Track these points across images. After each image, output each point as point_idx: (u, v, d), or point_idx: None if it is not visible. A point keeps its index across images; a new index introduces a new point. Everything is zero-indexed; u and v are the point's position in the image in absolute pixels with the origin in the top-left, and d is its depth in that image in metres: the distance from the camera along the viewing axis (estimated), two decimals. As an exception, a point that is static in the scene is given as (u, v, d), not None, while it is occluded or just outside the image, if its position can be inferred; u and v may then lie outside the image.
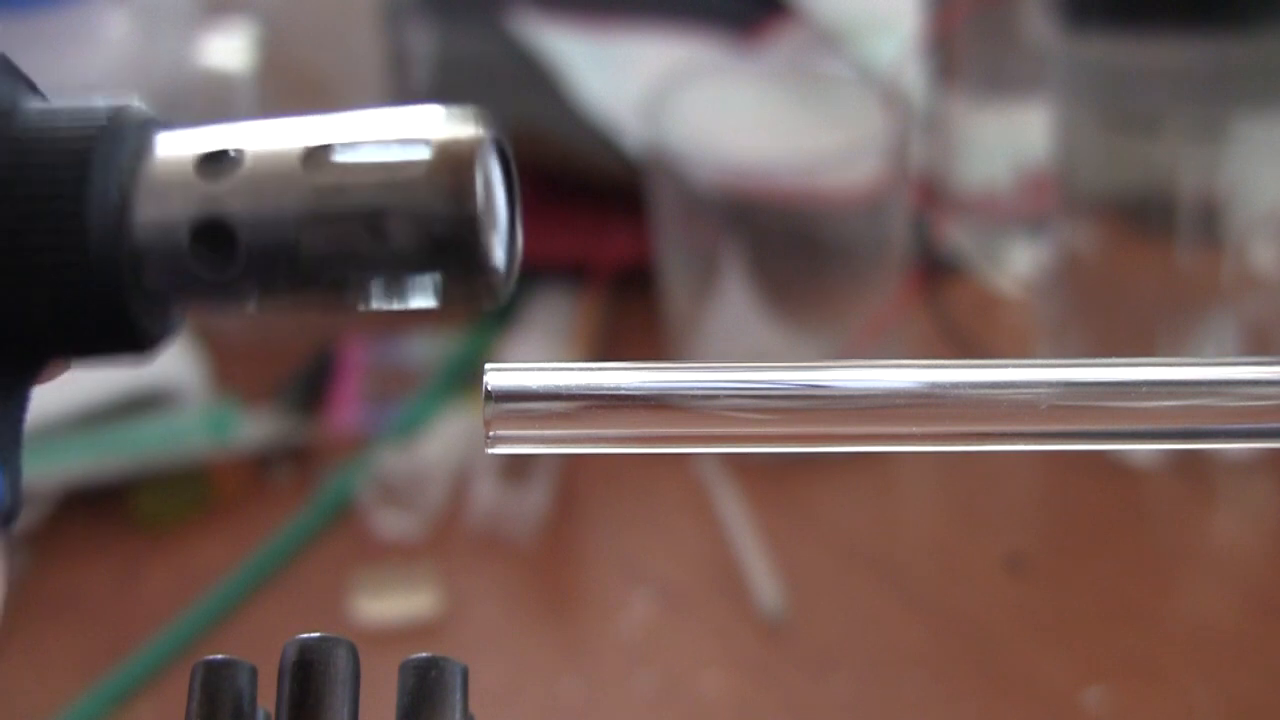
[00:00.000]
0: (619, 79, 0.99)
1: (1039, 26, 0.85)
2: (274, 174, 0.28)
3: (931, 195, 0.95)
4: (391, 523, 0.82)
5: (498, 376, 0.33)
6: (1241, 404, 0.32)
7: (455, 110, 0.28)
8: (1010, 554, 0.79)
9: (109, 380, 0.82)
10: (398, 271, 0.28)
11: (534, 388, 0.32)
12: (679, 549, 0.81)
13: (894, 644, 0.76)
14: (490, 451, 0.33)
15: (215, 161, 0.28)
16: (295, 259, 0.28)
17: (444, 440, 0.84)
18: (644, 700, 0.74)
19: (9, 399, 0.30)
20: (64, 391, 0.77)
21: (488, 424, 0.32)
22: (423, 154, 0.28)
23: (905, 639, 0.76)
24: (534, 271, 0.94)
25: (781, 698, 0.74)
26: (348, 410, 0.87)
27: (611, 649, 0.76)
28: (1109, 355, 0.33)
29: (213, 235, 0.28)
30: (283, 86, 0.92)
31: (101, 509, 0.82)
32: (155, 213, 0.28)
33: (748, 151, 0.86)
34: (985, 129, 0.94)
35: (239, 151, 0.28)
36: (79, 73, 0.81)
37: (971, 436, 0.33)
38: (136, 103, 0.29)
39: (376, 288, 0.28)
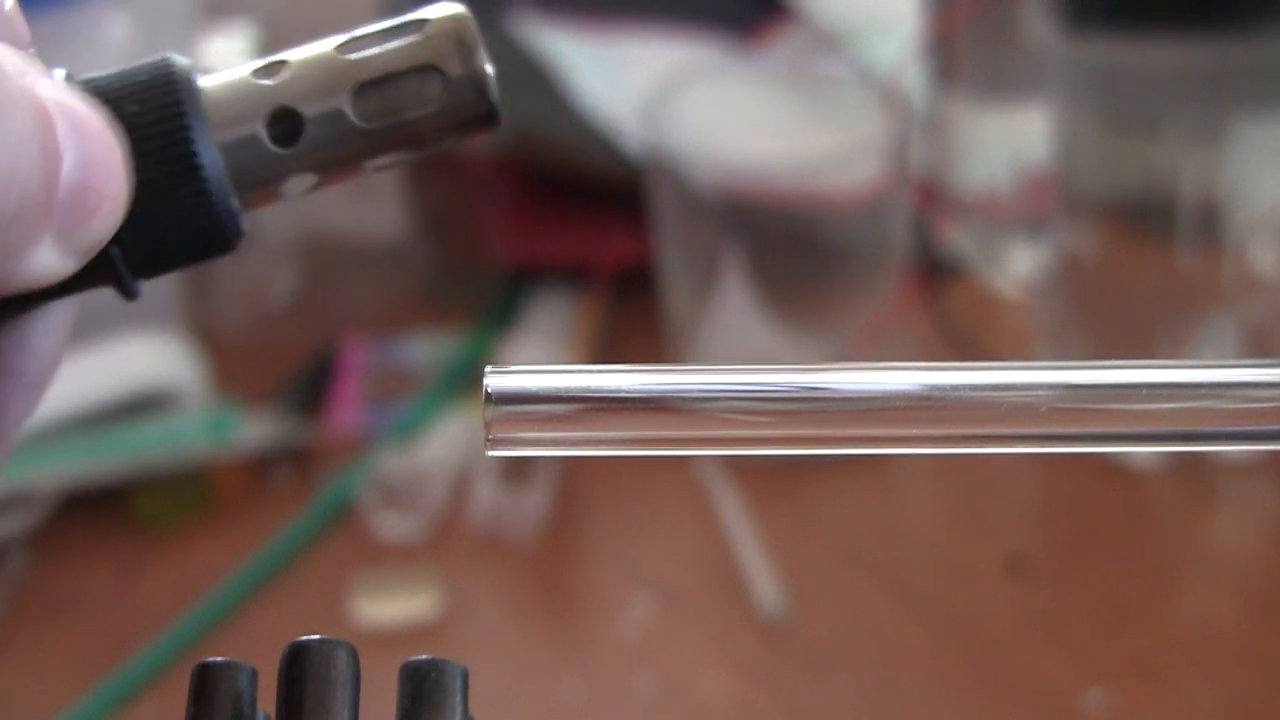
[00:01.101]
0: (619, 80, 0.99)
1: (1039, 28, 0.85)
2: (316, 66, 0.34)
3: (931, 197, 0.95)
4: (391, 524, 0.82)
5: (498, 379, 0.33)
6: (1241, 406, 0.32)
7: (440, 2, 0.35)
8: (1010, 555, 0.79)
9: (109, 382, 0.82)
10: (423, 117, 0.34)
11: (534, 390, 0.32)
12: (679, 550, 0.81)
13: (894, 645, 0.76)
14: (490, 453, 0.33)
15: (264, 71, 0.34)
16: (347, 127, 0.34)
17: (444, 442, 0.84)
18: (644, 701, 0.74)
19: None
20: (64, 393, 0.77)
21: (488, 426, 0.33)
22: (426, 28, 0.34)
23: (905, 640, 0.76)
24: (534, 273, 0.94)
25: (781, 699, 0.74)
26: (348, 412, 0.87)
27: (611, 650, 0.76)
28: (1109, 357, 0.33)
29: (283, 125, 0.34)
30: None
31: (102, 510, 0.82)
32: (229, 110, 0.34)
33: (748, 153, 0.86)
34: (985, 130, 0.94)
35: (281, 60, 0.34)
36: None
37: (971, 439, 0.33)
38: (175, 54, 0.34)
39: (410, 140, 0.34)
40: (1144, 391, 0.32)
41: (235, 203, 0.34)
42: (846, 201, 0.85)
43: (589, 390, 0.32)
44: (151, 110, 0.33)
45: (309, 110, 0.34)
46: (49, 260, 0.31)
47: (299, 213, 0.94)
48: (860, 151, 0.85)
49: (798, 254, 0.86)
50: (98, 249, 0.32)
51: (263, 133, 0.34)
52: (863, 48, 1.03)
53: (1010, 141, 0.93)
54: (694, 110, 0.87)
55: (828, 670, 0.75)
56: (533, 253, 0.95)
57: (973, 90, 0.94)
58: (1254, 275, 0.84)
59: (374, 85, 0.34)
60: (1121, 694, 0.72)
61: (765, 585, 0.78)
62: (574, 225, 0.96)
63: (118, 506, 0.82)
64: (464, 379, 0.88)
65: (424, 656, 0.33)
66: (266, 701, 0.33)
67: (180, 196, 0.33)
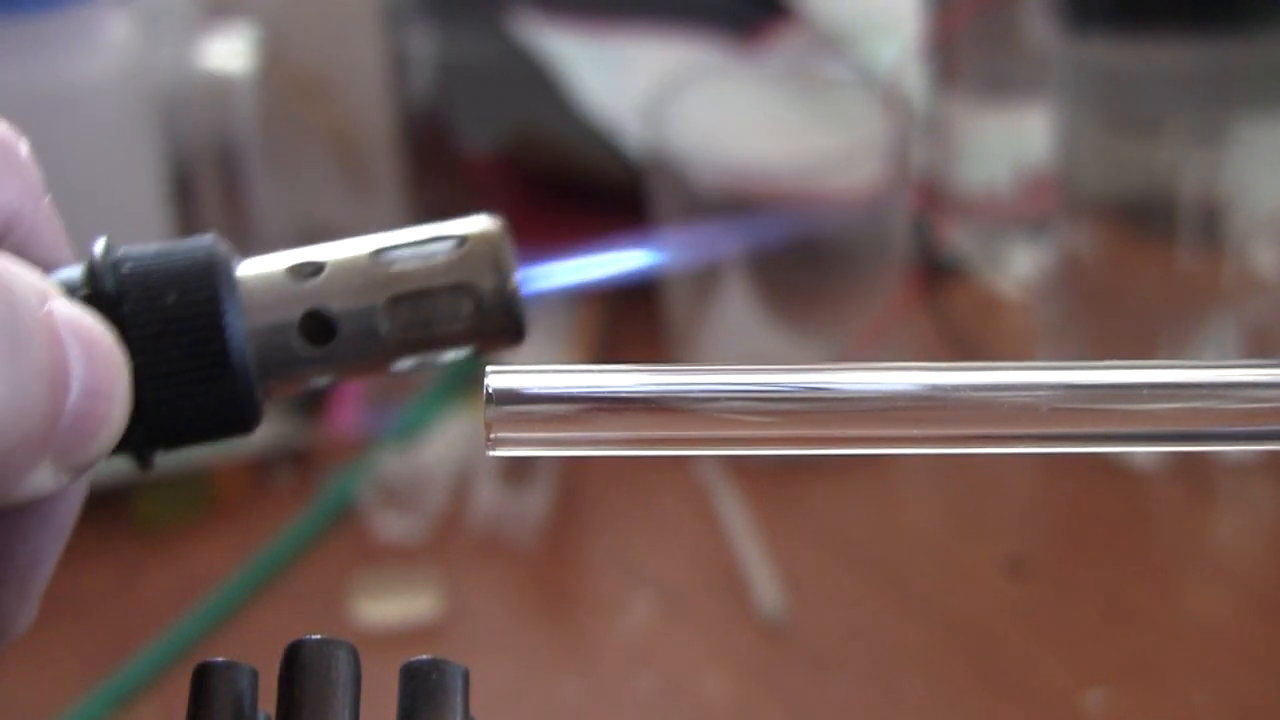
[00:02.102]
0: (620, 81, 0.99)
1: (1040, 29, 0.85)
2: (352, 272, 0.35)
3: (932, 197, 0.95)
4: (392, 525, 0.82)
5: (498, 379, 0.33)
6: (1242, 406, 0.32)
7: (476, 216, 0.37)
8: (1011, 556, 0.79)
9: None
10: (452, 332, 0.35)
11: (535, 390, 0.32)
12: (679, 551, 0.81)
13: (894, 646, 0.76)
14: (491, 454, 0.33)
15: (302, 270, 0.35)
16: (378, 335, 0.35)
17: (445, 443, 0.84)
18: (644, 702, 0.74)
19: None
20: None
21: (488, 426, 0.33)
22: (461, 243, 0.36)
23: (905, 641, 0.76)
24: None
25: (782, 699, 0.74)
26: (348, 413, 0.87)
27: (612, 651, 0.76)
28: (1110, 358, 0.33)
29: (315, 325, 0.35)
30: (283, 89, 0.92)
31: (102, 512, 0.82)
32: (264, 309, 0.35)
33: (749, 154, 0.86)
34: (986, 131, 0.94)
35: (319, 261, 0.35)
36: (80, 75, 0.81)
37: (972, 439, 0.33)
38: (216, 237, 0.35)
39: (436, 349, 0.35)
40: (1144, 392, 0.32)
41: (260, 394, 0.35)
42: (847, 202, 0.85)
43: (590, 390, 0.32)
44: (189, 304, 0.34)
45: (343, 317, 0.35)
46: (45, 480, 0.32)
47: (299, 213, 0.94)
48: (861, 152, 0.85)
49: (798, 255, 0.86)
50: (94, 466, 0.33)
51: (295, 333, 0.35)
52: (863, 48, 1.03)
53: (1011, 142, 0.93)
54: (694, 111, 0.87)
55: (828, 670, 0.75)
56: (533, 253, 0.95)
57: (973, 91, 0.94)
58: (1255, 276, 0.83)
59: (408, 297, 0.35)
60: (1122, 694, 0.72)
61: (765, 585, 0.78)
62: (574, 226, 0.95)
63: (118, 507, 0.82)
64: (464, 379, 0.88)
65: (425, 657, 0.33)
66: (267, 702, 0.33)
67: (208, 389, 0.34)
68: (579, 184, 0.96)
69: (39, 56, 0.80)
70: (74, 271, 0.35)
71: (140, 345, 0.33)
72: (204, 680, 0.33)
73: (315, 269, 0.35)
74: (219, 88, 0.90)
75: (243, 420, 0.35)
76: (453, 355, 0.36)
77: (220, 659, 0.33)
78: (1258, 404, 0.32)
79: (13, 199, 0.35)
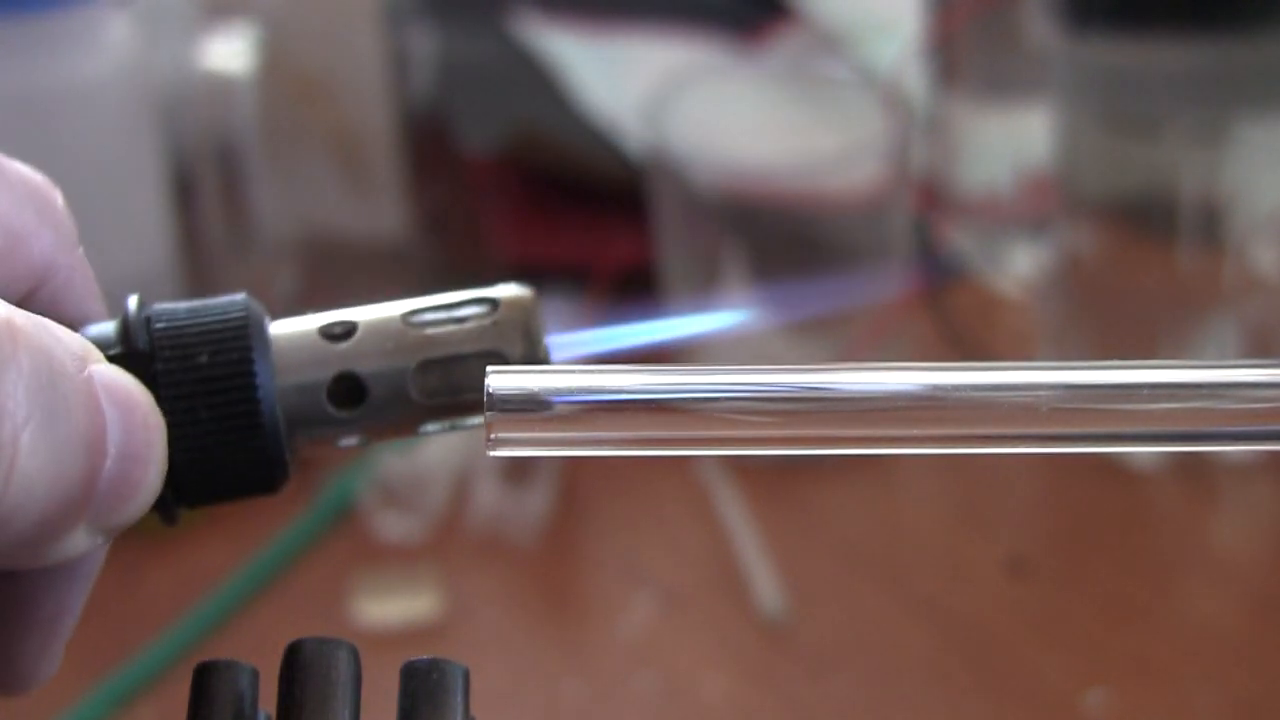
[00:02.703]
0: (620, 81, 0.99)
1: (1040, 29, 0.85)
2: (384, 335, 0.35)
3: (932, 197, 0.95)
4: (393, 525, 0.82)
5: (499, 379, 0.33)
6: (1243, 406, 0.32)
7: (509, 284, 0.36)
8: (1011, 556, 0.79)
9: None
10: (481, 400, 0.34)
11: (535, 390, 0.32)
12: (680, 551, 0.81)
13: (895, 646, 0.76)
14: (491, 454, 0.33)
15: (334, 331, 0.35)
16: (408, 399, 0.35)
17: (445, 443, 0.84)
18: (645, 702, 0.74)
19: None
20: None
21: (489, 427, 0.33)
22: (493, 308, 0.36)
23: (906, 641, 0.76)
24: (535, 273, 0.94)
25: (782, 699, 0.74)
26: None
27: (613, 651, 0.76)
28: (1110, 358, 0.33)
29: (346, 388, 0.35)
30: (284, 89, 0.92)
31: (103, 511, 0.82)
32: (296, 372, 0.35)
33: (749, 154, 0.86)
34: (986, 131, 0.94)
35: (351, 322, 0.35)
36: (80, 76, 0.81)
37: (973, 439, 0.33)
38: (250, 297, 0.35)
39: (464, 414, 0.36)
40: (1145, 392, 0.32)
41: (288, 455, 0.35)
42: (848, 202, 0.85)
43: (590, 391, 0.32)
44: (221, 365, 0.34)
45: (373, 380, 0.35)
46: (80, 543, 0.32)
47: (299, 213, 0.94)
48: (861, 152, 0.85)
49: (799, 254, 0.86)
50: (123, 529, 0.33)
51: (325, 395, 0.35)
52: (864, 48, 1.03)
53: (1011, 142, 0.93)
54: (695, 111, 0.87)
55: (828, 670, 0.74)
56: (534, 253, 0.95)
57: (974, 91, 0.94)
58: (1255, 276, 0.83)
59: (438, 363, 0.35)
60: (1122, 694, 0.72)
61: (766, 585, 0.78)
62: (575, 226, 0.95)
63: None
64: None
65: (425, 657, 0.33)
66: (268, 702, 0.33)
67: (237, 449, 0.35)
68: (579, 184, 0.96)
69: (39, 57, 0.80)
70: (107, 328, 0.35)
71: (171, 404, 0.34)
72: (204, 680, 0.33)
73: (347, 331, 0.35)
74: (219, 88, 0.90)
75: (270, 480, 0.35)
76: (481, 421, 0.35)
77: (221, 659, 0.33)
78: (1258, 404, 0.32)
79: (48, 249, 0.35)
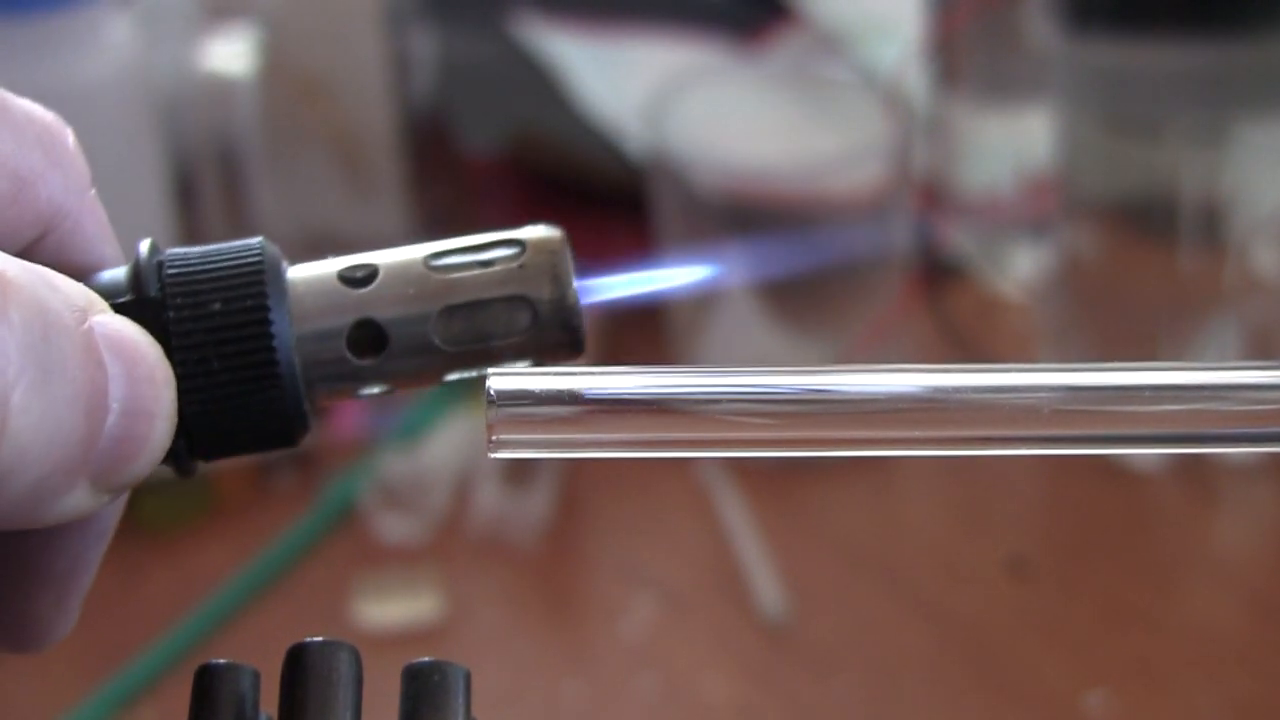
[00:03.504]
0: (621, 83, 0.99)
1: (1041, 30, 0.85)
2: (406, 279, 0.34)
3: (933, 199, 0.95)
4: (394, 527, 0.82)
5: (500, 381, 0.33)
6: (1243, 408, 0.32)
7: (536, 225, 0.35)
8: (1012, 557, 0.79)
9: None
10: (508, 345, 0.34)
11: (536, 391, 0.32)
12: (681, 552, 0.81)
13: (896, 647, 0.76)
14: (492, 456, 0.33)
15: (354, 276, 0.34)
16: (431, 346, 0.34)
17: (446, 444, 0.84)
18: (646, 703, 0.74)
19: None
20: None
21: (490, 428, 0.32)
22: (520, 250, 0.34)
23: (907, 642, 0.76)
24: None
25: (783, 701, 0.74)
26: (350, 414, 0.87)
27: (613, 652, 0.76)
28: (1111, 359, 0.33)
29: (366, 336, 0.34)
30: (284, 90, 0.92)
31: (104, 513, 0.82)
32: (314, 318, 0.34)
33: (750, 155, 0.86)
34: (987, 133, 0.94)
35: (372, 266, 0.34)
36: (81, 76, 0.81)
37: (974, 440, 0.33)
38: (266, 240, 0.34)
39: (490, 361, 0.34)
40: (1146, 393, 0.32)
41: (306, 406, 0.34)
42: (849, 204, 0.85)
43: (591, 392, 0.32)
44: (235, 312, 0.33)
45: (394, 327, 0.34)
46: (82, 501, 0.31)
47: (300, 214, 0.94)
48: (862, 153, 0.85)
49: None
50: (135, 483, 0.32)
51: (345, 343, 0.34)
52: (864, 50, 1.03)
53: (1012, 143, 0.93)
54: (696, 112, 0.87)
55: (829, 672, 0.74)
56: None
57: (974, 92, 0.94)
58: (1256, 277, 0.83)
59: (462, 308, 0.34)
60: (1123, 696, 0.72)
61: (767, 587, 0.78)
62: (576, 227, 0.95)
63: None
64: (466, 381, 0.88)
65: (426, 658, 0.33)
66: (269, 704, 0.33)
67: (254, 400, 0.33)
68: (580, 185, 0.95)
69: (40, 57, 0.80)
70: (117, 274, 0.34)
71: (184, 354, 0.33)
72: (206, 682, 0.33)
73: (367, 275, 0.34)
74: (220, 89, 0.90)
75: (289, 432, 0.34)
76: (508, 365, 0.34)
77: (222, 660, 0.33)
78: (1259, 406, 0.32)
79: (56, 193, 0.34)
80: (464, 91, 0.99)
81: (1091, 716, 0.72)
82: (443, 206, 0.99)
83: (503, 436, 0.32)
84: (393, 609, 0.78)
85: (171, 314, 0.33)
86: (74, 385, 0.30)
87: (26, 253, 0.33)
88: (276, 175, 0.92)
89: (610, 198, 0.94)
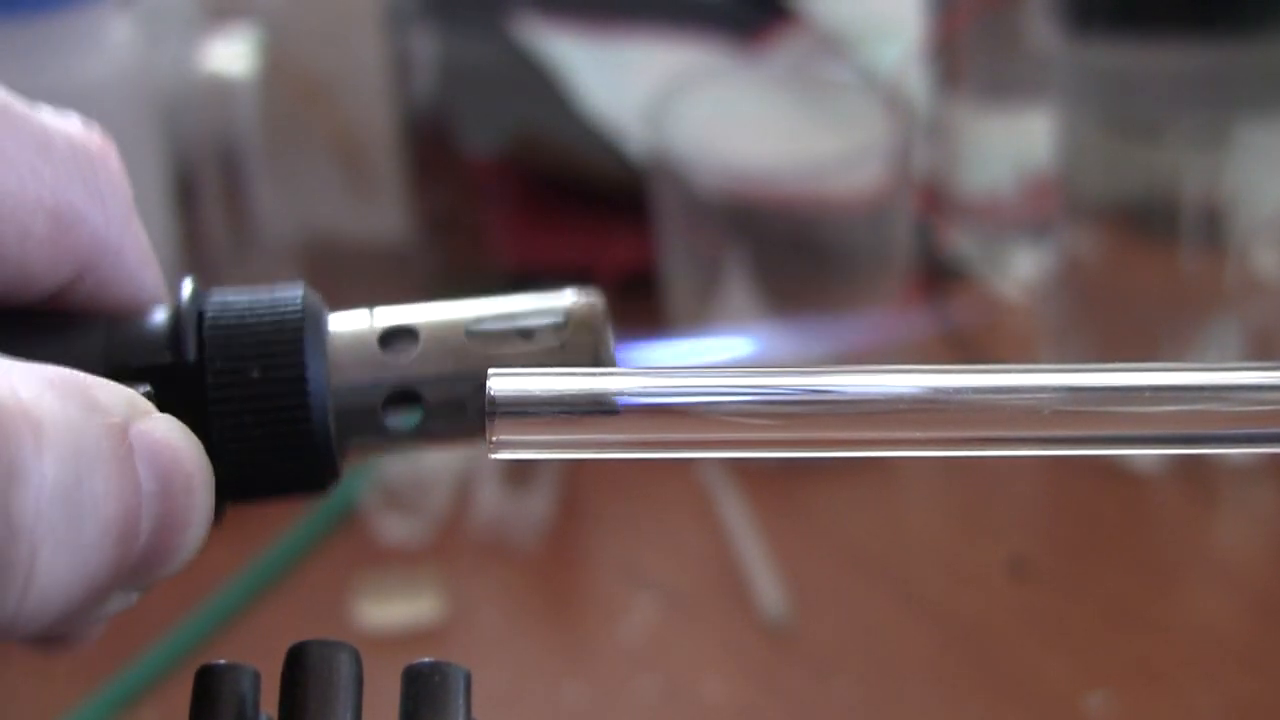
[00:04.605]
0: (622, 84, 0.99)
1: (1042, 31, 0.85)
2: (446, 346, 0.34)
3: (935, 200, 0.95)
4: (395, 528, 0.82)
5: (500, 382, 0.33)
6: (1244, 409, 0.32)
7: (577, 289, 0.35)
8: (1013, 558, 0.79)
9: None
10: None
11: (537, 393, 0.32)
12: (682, 553, 0.81)
13: (897, 648, 0.76)
14: (493, 457, 0.33)
15: (396, 338, 0.34)
16: (465, 413, 0.34)
17: (447, 445, 0.84)
18: (647, 705, 0.74)
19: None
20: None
21: (490, 429, 0.32)
22: (561, 326, 0.34)
23: (908, 643, 0.76)
24: (537, 276, 0.94)
25: (785, 702, 0.74)
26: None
27: (614, 654, 0.76)
28: (1111, 359, 0.33)
29: (402, 402, 0.34)
30: (285, 91, 0.92)
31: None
32: (352, 384, 0.34)
33: (751, 156, 0.86)
34: (988, 134, 0.94)
35: (413, 330, 0.34)
36: (81, 77, 0.81)
37: (975, 441, 0.33)
38: (308, 290, 0.34)
39: None
40: (1147, 394, 0.32)
41: (338, 462, 0.34)
42: (850, 205, 0.85)
43: (592, 393, 0.32)
44: (275, 381, 0.33)
45: (431, 396, 0.34)
46: (111, 607, 0.31)
47: (301, 215, 0.94)
48: (863, 155, 0.85)
49: (801, 257, 0.86)
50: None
51: (382, 410, 0.34)
52: (866, 51, 1.03)
53: (1013, 145, 0.93)
54: (697, 113, 0.87)
55: (831, 673, 0.74)
56: (535, 256, 0.95)
57: (975, 93, 0.94)
58: (1257, 278, 0.83)
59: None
60: (1124, 697, 0.72)
61: (768, 588, 0.78)
62: (577, 228, 0.95)
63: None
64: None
65: (426, 659, 0.33)
66: (269, 704, 0.33)
67: (288, 462, 0.34)
68: (581, 187, 0.96)
69: (40, 58, 0.80)
70: (158, 324, 0.34)
71: (221, 419, 0.33)
72: (206, 682, 0.33)
73: (408, 339, 0.34)
74: (221, 90, 0.90)
75: (319, 484, 0.34)
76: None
77: (222, 661, 0.33)
78: (1260, 407, 0.32)
79: (99, 230, 0.33)
80: (464, 92, 0.99)
81: (1092, 717, 0.71)
82: (444, 208, 0.99)
83: (503, 437, 0.32)
84: (393, 609, 0.78)
85: (211, 379, 0.33)
86: (106, 522, 0.29)
87: (65, 291, 0.33)
88: (276, 175, 0.92)
89: (611, 198, 0.94)
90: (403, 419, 0.34)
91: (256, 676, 0.33)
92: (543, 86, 1.00)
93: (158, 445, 0.30)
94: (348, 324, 0.34)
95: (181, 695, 0.33)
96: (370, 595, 0.78)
